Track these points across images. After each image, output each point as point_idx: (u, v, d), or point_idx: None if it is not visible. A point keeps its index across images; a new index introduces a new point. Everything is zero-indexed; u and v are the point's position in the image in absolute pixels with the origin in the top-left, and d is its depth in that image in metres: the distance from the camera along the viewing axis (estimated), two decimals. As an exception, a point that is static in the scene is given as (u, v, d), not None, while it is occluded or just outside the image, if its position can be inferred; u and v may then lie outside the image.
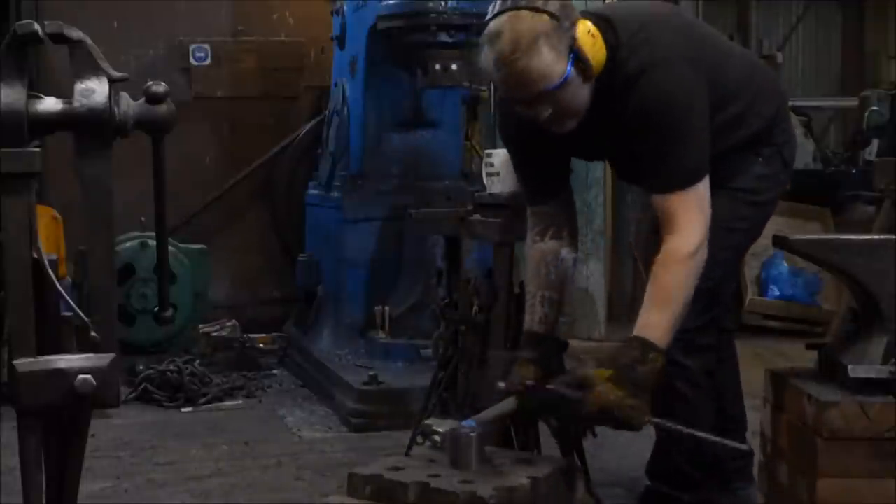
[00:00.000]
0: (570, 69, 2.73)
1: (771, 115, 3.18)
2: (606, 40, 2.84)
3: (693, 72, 2.89)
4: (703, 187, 2.87)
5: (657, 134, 2.84)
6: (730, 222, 3.05)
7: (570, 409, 2.75)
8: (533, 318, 3.16)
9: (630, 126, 2.89)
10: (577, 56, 2.74)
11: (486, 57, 2.76)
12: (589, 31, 2.78)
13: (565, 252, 3.18)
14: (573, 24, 2.75)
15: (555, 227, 3.18)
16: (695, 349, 3.13)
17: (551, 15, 2.70)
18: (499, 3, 2.76)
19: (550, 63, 2.71)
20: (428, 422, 2.83)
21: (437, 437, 2.72)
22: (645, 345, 2.74)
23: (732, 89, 3.09)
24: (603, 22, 2.87)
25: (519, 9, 2.71)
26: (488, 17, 2.78)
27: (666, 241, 2.86)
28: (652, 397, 2.77)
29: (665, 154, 2.85)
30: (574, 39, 2.74)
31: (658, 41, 2.89)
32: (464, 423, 2.74)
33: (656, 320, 2.78)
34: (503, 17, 2.72)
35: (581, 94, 2.81)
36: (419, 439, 2.90)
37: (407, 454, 3.11)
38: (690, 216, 2.84)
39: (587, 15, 2.86)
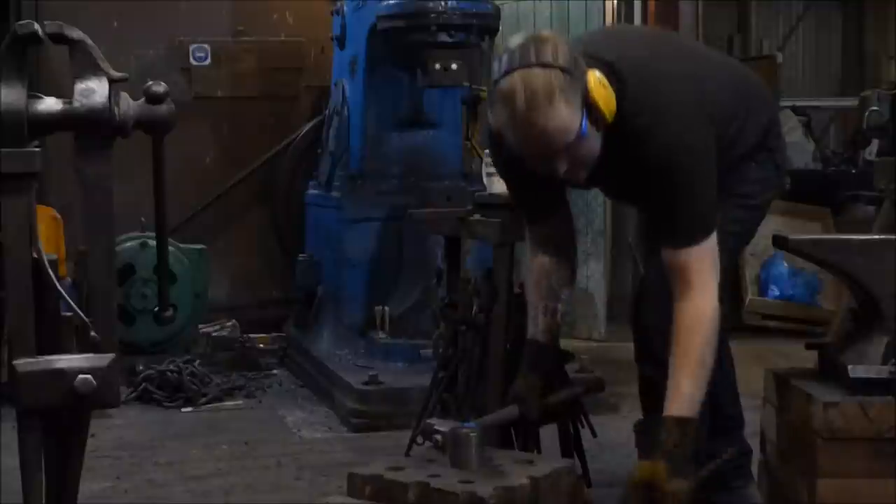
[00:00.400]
0: (585, 122, 2.70)
1: (764, 125, 3.20)
2: (613, 88, 2.80)
3: (698, 119, 2.88)
4: (714, 242, 2.87)
5: (668, 191, 2.84)
6: (724, 225, 3.05)
7: None
8: (536, 328, 3.17)
9: (640, 179, 2.90)
10: (590, 107, 2.71)
11: (501, 116, 2.70)
12: (600, 82, 2.73)
13: (565, 263, 3.20)
14: (584, 75, 2.70)
15: (554, 242, 3.19)
16: None
17: (563, 69, 2.64)
18: (505, 59, 2.68)
19: (567, 118, 2.65)
20: (430, 421, 2.83)
21: (437, 437, 2.72)
22: (681, 424, 2.78)
23: (729, 112, 3.08)
24: (605, 67, 2.81)
25: (530, 66, 2.63)
26: (496, 74, 2.69)
27: (684, 301, 2.84)
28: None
29: (676, 210, 2.86)
30: (587, 91, 2.69)
31: (663, 91, 2.86)
32: (465, 425, 2.75)
33: (689, 392, 2.81)
34: (515, 76, 2.64)
35: (595, 143, 2.79)
36: (419, 439, 2.90)
37: (407, 454, 3.12)
38: (705, 273, 2.84)
39: (589, 60, 2.79)
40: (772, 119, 3.27)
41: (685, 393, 2.80)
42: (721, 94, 3.08)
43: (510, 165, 3.08)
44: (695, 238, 2.85)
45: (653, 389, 3.25)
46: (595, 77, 2.73)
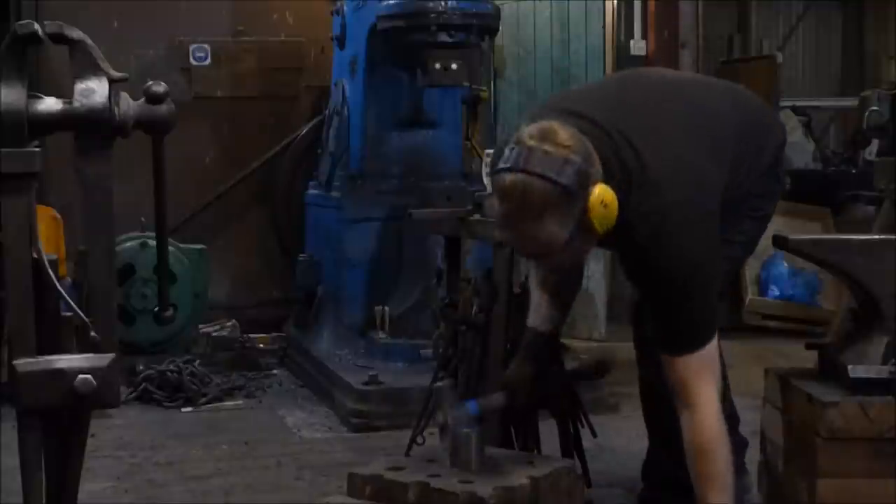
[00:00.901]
0: (574, 237, 2.62)
1: (769, 162, 3.16)
2: (618, 185, 2.69)
3: (701, 222, 2.80)
4: (712, 347, 2.83)
5: (667, 300, 2.81)
6: (729, 235, 3.04)
7: None
8: (537, 317, 3.19)
9: (641, 279, 2.89)
10: (583, 223, 2.61)
11: (494, 210, 2.68)
12: (602, 202, 2.61)
13: (568, 281, 3.21)
14: (588, 192, 2.59)
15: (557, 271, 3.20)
16: None
17: (563, 188, 2.55)
18: (514, 152, 2.60)
19: (554, 234, 2.60)
20: (439, 385, 2.82)
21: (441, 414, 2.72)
22: None
23: (735, 163, 3.01)
24: (615, 161, 2.73)
25: (532, 175, 2.55)
26: (504, 160, 2.61)
27: (690, 414, 2.80)
28: None
29: (675, 319, 2.81)
30: (584, 210, 2.60)
31: (669, 193, 2.75)
32: (467, 403, 2.75)
33: None
34: (517, 178, 2.56)
35: (588, 244, 2.74)
36: (419, 439, 2.91)
37: (407, 454, 3.12)
38: (703, 384, 2.80)
39: (600, 143, 2.70)
40: (777, 147, 3.21)
41: None
42: (730, 143, 3.01)
43: None
44: (694, 346, 2.80)
45: (653, 392, 3.26)
46: (597, 194, 2.60)
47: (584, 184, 2.59)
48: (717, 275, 2.87)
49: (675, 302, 2.79)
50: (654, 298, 2.86)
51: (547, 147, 2.57)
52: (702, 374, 2.80)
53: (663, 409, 3.17)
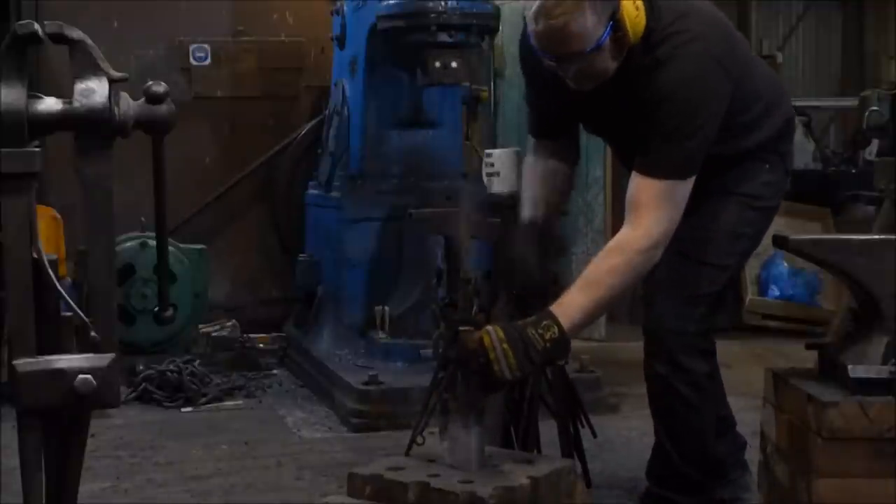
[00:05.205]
0: (606, 36, 2.79)
1: (782, 123, 3.22)
2: (647, 19, 2.89)
3: (719, 72, 2.92)
4: (683, 187, 2.88)
5: (660, 121, 2.87)
6: (737, 227, 3.05)
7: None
8: (535, 213, 3.22)
9: (642, 108, 2.92)
10: (616, 24, 2.80)
11: (533, 7, 2.82)
12: (633, 3, 2.83)
13: (569, 174, 3.29)
14: None
15: (559, 156, 3.26)
16: (698, 352, 3.13)
17: None
18: None
19: (589, 26, 2.77)
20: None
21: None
22: (545, 315, 2.78)
23: (755, 93, 3.12)
24: (646, 2, 2.90)
25: None
26: None
27: (624, 230, 2.88)
28: (544, 369, 2.97)
29: (659, 140, 2.87)
30: (618, 7, 2.79)
31: (691, 33, 2.92)
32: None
33: (572, 300, 2.81)
34: None
35: (608, 63, 2.87)
36: (419, 439, 2.90)
37: (407, 454, 3.12)
38: (655, 211, 2.85)
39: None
40: (789, 122, 3.27)
41: (568, 300, 2.82)
42: (755, 73, 3.14)
43: (534, 67, 3.14)
44: (665, 173, 2.85)
45: (663, 383, 3.19)
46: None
47: None
48: (712, 128, 2.92)
49: (675, 125, 2.85)
50: (653, 124, 2.88)
51: None
52: (661, 203, 2.85)
53: (672, 401, 3.16)
